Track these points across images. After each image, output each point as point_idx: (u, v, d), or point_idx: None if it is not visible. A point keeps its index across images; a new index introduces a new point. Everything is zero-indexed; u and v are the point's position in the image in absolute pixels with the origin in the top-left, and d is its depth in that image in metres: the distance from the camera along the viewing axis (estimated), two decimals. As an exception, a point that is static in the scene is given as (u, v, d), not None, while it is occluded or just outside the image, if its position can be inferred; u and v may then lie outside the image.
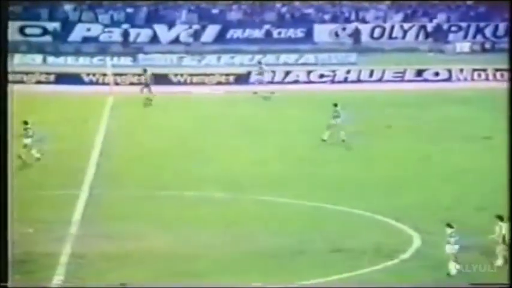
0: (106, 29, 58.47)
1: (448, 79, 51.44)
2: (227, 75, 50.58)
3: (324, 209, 26.07)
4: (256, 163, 31.89)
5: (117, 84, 47.91)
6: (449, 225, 20.76)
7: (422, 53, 59.11)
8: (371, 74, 51.57)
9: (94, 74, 49.71)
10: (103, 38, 58.25)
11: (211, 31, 59.05)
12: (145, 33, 58.48)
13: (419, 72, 51.68)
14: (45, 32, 57.71)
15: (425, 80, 51.14)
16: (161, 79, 49.39)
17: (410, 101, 44.98)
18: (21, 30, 57.44)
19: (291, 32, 59.93)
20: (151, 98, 43.01)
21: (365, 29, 60.63)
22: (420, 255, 21.76)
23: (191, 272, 20.78)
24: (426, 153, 33.14)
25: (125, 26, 58.37)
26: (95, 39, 58.07)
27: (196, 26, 58.92)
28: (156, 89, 46.70)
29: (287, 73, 51.22)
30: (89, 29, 58.35)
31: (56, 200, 26.74)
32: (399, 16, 62.39)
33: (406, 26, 61.27)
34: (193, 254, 21.99)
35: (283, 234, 23.41)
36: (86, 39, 58.01)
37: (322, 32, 60.24)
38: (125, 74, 49.90)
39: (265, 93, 45.53)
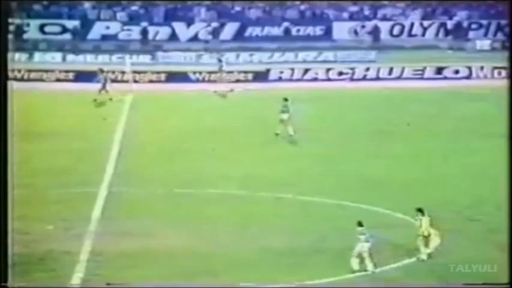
0: (125, 27, 58.55)
1: (468, 77, 51.18)
2: (246, 72, 50.56)
3: (344, 207, 26.01)
4: (275, 160, 31.86)
5: (136, 81, 47.96)
6: (359, 224, 20.80)
7: (442, 50, 58.82)
8: (390, 71, 51.40)
9: (113, 72, 49.81)
10: (122, 36, 58.34)
11: (230, 29, 59.02)
12: (164, 31, 58.54)
13: (439, 70, 51.45)
14: (65, 30, 57.90)
15: (445, 78, 50.91)
16: (180, 77, 49.45)
17: (429, 98, 44.81)
18: (41, 28, 57.66)
19: (310, 30, 59.80)
20: (110, 97, 42.73)
21: (384, 26, 60.40)
22: (439, 253, 21.67)
23: (209, 270, 20.79)
24: (445, 151, 33.00)
25: (144, 24, 58.45)
26: (114, 37, 58.17)
27: (215, 24, 58.93)
28: (174, 86, 46.77)
29: (306, 71, 51.15)
30: (108, 27, 58.47)
31: (75, 198, 26.82)
32: (419, 14, 62.12)
33: (425, 23, 60.98)
34: (211, 251, 21.98)
35: (302, 232, 23.37)
36: (105, 37, 58.11)
37: (341, 30, 60.05)
38: (144, 72, 49.98)
39: (224, 91, 45.35)
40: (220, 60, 48.82)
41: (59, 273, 20.65)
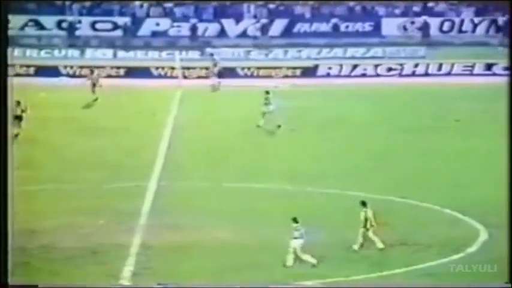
0: (175, 24, 59.03)
1: (518, 73, 50.65)
2: (294, 68, 50.71)
3: (392, 202, 26.05)
4: (323, 155, 31.97)
5: (185, 77, 48.37)
6: (294, 220, 20.93)
7: (493, 47, 58.22)
8: (439, 67, 51.16)
9: (163, 68, 50.29)
10: (172, 32, 58.81)
11: (279, 25, 59.15)
12: (213, 28, 58.89)
13: (489, 67, 51.04)
14: (116, 27, 58.55)
15: (495, 74, 50.47)
16: (228, 72, 49.76)
17: (478, 95, 44.49)
18: (93, 25, 58.39)
19: (358, 26, 59.70)
20: (95, 98, 42.06)
21: (434, 22, 60.06)
22: (486, 249, 21.64)
23: (256, 264, 20.96)
24: (494, 148, 32.77)
25: (193, 20, 58.89)
26: (163, 34, 58.68)
27: (263, 20, 59.11)
28: (223, 82, 47.04)
29: (354, 67, 51.13)
30: (158, 24, 59.00)
31: (126, 192, 27.21)
32: (470, 10, 61.58)
33: (476, 20, 60.46)
34: (258, 246, 22.13)
35: (349, 227, 23.44)
36: (155, 34, 58.67)
37: (390, 26, 59.82)
38: (193, 68, 50.34)
39: (215, 86, 45.96)
40: (212, 54, 49.14)
41: (110, 267, 20.94)
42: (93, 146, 33.43)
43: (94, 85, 42.53)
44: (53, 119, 38.36)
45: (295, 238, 20.89)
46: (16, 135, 33.17)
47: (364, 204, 22.03)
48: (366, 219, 21.78)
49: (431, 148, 33.01)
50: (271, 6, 60.58)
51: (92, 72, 43.84)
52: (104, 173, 29.45)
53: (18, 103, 33.40)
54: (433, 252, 21.62)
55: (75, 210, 25.22)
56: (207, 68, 50.05)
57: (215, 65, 47.65)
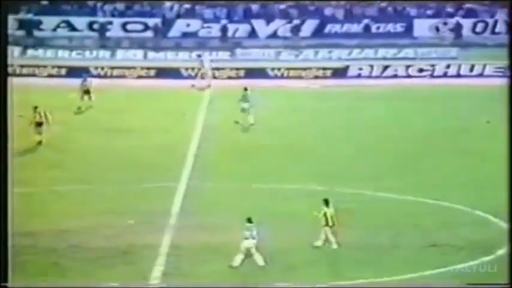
0: (205, 25, 59.18)
1: (551, 75, 50.17)
2: (324, 69, 50.63)
3: (423, 204, 25.94)
4: (354, 156, 31.88)
5: (215, 78, 48.45)
6: (249, 220, 20.84)
7: (526, 48, 57.76)
8: (471, 68, 50.83)
9: (193, 69, 50.40)
10: (202, 33, 58.94)
11: (310, 25, 59.08)
12: (243, 28, 58.95)
13: (521, 68, 50.61)
14: (147, 28, 58.81)
15: (527, 76, 50.03)
16: (258, 73, 49.78)
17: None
18: (124, 26, 58.67)
19: (390, 27, 59.48)
20: (91, 104, 40.52)
21: (467, 23, 59.69)
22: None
23: (285, 266, 20.95)
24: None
25: (224, 21, 58.99)
26: (194, 35, 58.84)
27: (294, 21, 59.07)
28: (253, 82, 47.05)
29: (385, 67, 50.94)
30: (188, 25, 59.17)
31: (155, 192, 27.30)
32: (503, 11, 61.11)
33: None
34: (288, 247, 22.11)
35: (380, 228, 23.39)
36: (185, 35, 58.84)
37: (422, 27, 59.53)
38: (223, 68, 50.41)
39: (202, 87, 45.82)
40: (199, 56, 49.16)
41: (140, 267, 21.05)
42: (123, 146, 33.58)
43: (86, 92, 40.78)
44: (83, 119, 38.59)
45: (246, 238, 20.82)
46: (39, 143, 33.31)
47: (326, 203, 22.00)
48: (326, 218, 21.81)
49: (463, 149, 32.80)
50: (302, 6, 60.53)
51: (85, 79, 42.04)
52: (134, 173, 29.58)
53: (35, 108, 33.59)
54: (463, 254, 21.50)
55: (105, 210, 25.36)
56: (236, 69, 50.07)
57: (202, 65, 47.69)
